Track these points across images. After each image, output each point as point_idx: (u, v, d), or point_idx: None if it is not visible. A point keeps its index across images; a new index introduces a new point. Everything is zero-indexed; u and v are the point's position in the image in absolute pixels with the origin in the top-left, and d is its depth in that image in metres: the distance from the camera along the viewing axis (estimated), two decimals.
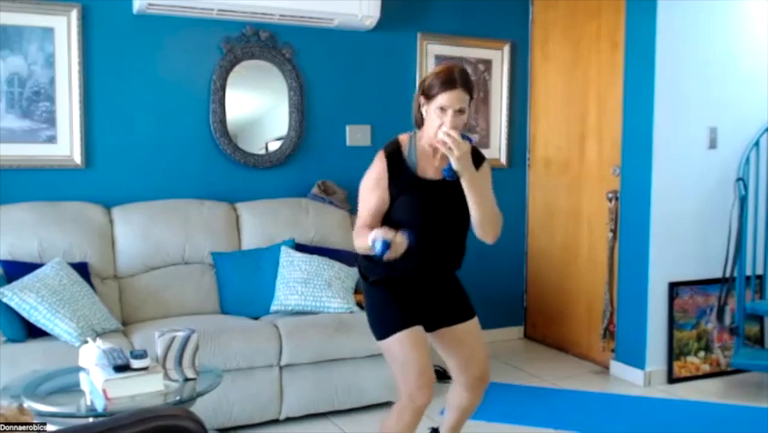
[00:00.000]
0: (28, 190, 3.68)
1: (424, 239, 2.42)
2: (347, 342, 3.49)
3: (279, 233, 3.96)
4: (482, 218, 2.44)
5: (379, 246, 2.24)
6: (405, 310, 2.48)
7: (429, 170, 2.48)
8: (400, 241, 2.26)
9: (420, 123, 2.51)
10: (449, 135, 2.31)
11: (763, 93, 4.26)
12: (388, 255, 2.25)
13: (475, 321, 2.63)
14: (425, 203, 2.45)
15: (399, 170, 2.44)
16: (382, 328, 2.50)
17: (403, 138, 2.51)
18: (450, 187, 2.43)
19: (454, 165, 2.34)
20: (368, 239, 2.29)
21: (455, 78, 2.38)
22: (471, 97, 2.43)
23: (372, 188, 2.45)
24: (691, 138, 4.12)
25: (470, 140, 2.38)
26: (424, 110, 2.45)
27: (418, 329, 2.48)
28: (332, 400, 3.54)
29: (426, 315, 2.55)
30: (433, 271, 2.54)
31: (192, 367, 2.60)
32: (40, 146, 3.76)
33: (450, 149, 2.31)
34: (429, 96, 2.41)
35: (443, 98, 2.37)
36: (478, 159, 2.49)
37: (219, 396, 3.17)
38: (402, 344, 2.44)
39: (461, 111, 2.38)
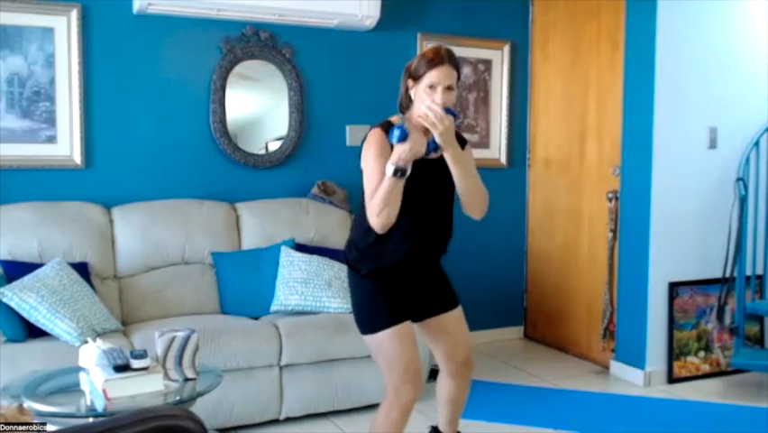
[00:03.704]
0: (28, 190, 3.68)
1: (419, 218, 2.44)
2: (347, 342, 3.49)
3: (279, 233, 3.96)
4: (468, 192, 2.47)
5: (398, 131, 2.27)
6: (394, 306, 2.49)
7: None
8: (419, 136, 2.31)
9: (406, 106, 2.51)
10: (431, 109, 2.32)
11: (763, 93, 4.26)
12: (406, 145, 2.29)
13: (459, 309, 2.66)
14: (420, 181, 2.43)
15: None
16: (371, 323, 2.50)
17: (393, 119, 2.51)
18: (438, 166, 2.44)
19: (438, 139, 2.35)
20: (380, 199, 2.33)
21: (442, 55, 2.40)
22: (459, 76, 2.45)
23: (377, 156, 2.39)
24: (691, 138, 4.12)
25: (454, 114, 2.39)
26: (412, 92, 2.46)
27: (406, 325, 2.50)
28: (332, 400, 3.54)
29: (414, 306, 2.58)
30: (425, 253, 2.55)
31: (192, 367, 2.60)
32: (40, 146, 3.76)
33: (433, 123, 2.32)
34: (417, 77, 2.42)
35: (431, 76, 2.38)
36: (460, 141, 2.51)
37: (219, 396, 3.17)
38: (390, 339, 2.46)
39: (450, 88, 2.39)
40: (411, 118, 2.49)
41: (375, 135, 2.44)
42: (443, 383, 2.75)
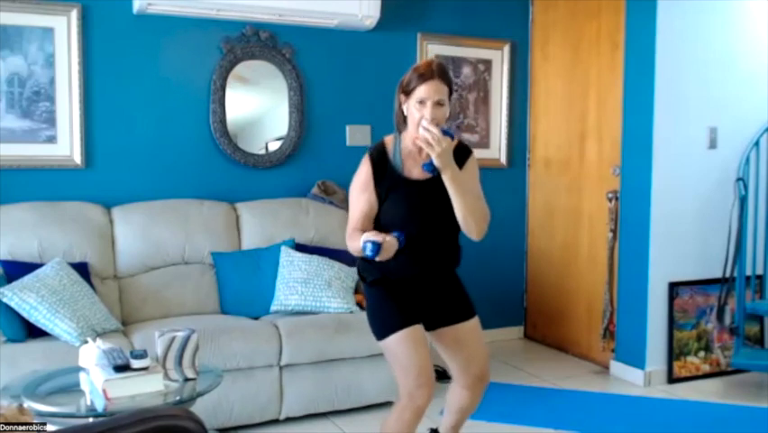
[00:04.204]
0: (28, 190, 3.68)
1: (414, 239, 2.43)
2: (347, 342, 3.49)
3: (279, 233, 3.96)
4: (465, 214, 2.44)
5: (369, 248, 2.28)
6: (403, 309, 2.48)
7: (415, 169, 2.48)
8: (390, 242, 2.29)
9: (401, 123, 2.51)
10: (429, 131, 2.31)
11: (763, 93, 4.26)
12: (380, 257, 2.29)
13: (475, 321, 2.62)
14: (412, 203, 2.45)
15: (385, 171, 2.46)
16: (382, 328, 2.50)
17: (388, 139, 2.53)
18: (436, 185, 2.43)
19: (435, 162, 2.34)
20: (359, 242, 2.33)
21: (432, 69, 2.39)
22: (451, 91, 2.44)
23: (360, 191, 2.48)
24: (691, 138, 4.12)
25: (451, 135, 2.37)
26: (405, 108, 2.45)
27: (417, 328, 2.48)
28: (332, 400, 3.54)
29: (426, 314, 2.56)
30: (428, 270, 2.54)
31: (192, 367, 2.59)
32: (40, 146, 3.76)
33: (430, 145, 2.31)
34: (408, 92, 2.42)
35: (420, 91, 2.38)
36: (464, 152, 2.51)
37: (219, 396, 3.17)
38: (401, 343, 2.45)
39: (440, 103, 2.38)
40: (405, 137, 2.49)
41: (363, 166, 2.49)
42: (456, 392, 2.73)
